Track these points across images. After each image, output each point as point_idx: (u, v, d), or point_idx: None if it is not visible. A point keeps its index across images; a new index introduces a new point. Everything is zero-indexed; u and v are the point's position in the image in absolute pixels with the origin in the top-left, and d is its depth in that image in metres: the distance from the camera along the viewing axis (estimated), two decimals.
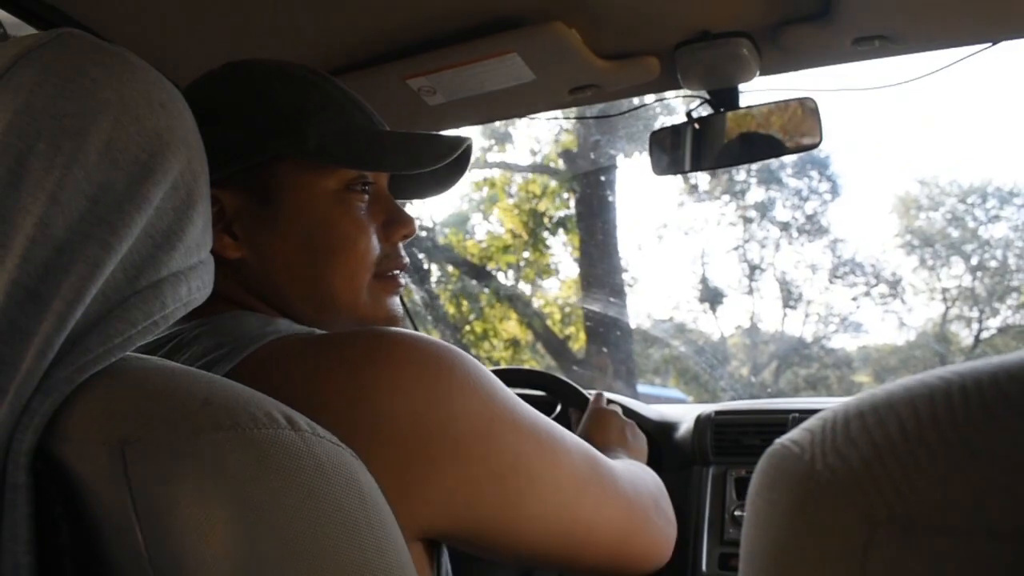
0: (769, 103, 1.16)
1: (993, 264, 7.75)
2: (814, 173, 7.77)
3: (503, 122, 7.02)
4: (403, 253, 0.79)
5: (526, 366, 1.63)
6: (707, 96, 1.17)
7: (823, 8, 0.98)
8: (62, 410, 0.47)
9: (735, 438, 1.38)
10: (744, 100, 1.17)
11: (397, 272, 0.78)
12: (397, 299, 0.79)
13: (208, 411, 0.45)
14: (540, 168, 7.34)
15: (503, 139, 7.21)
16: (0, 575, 0.44)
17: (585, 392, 1.33)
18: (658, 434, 1.46)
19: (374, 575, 0.47)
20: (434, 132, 0.99)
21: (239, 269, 0.72)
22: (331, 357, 0.58)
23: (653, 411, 1.53)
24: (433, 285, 7.46)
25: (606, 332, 6.81)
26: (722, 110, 1.18)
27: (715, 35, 1.05)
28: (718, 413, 1.42)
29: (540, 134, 7.27)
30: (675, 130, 1.24)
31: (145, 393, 0.47)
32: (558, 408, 1.36)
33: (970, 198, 7.81)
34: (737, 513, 1.31)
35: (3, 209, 0.47)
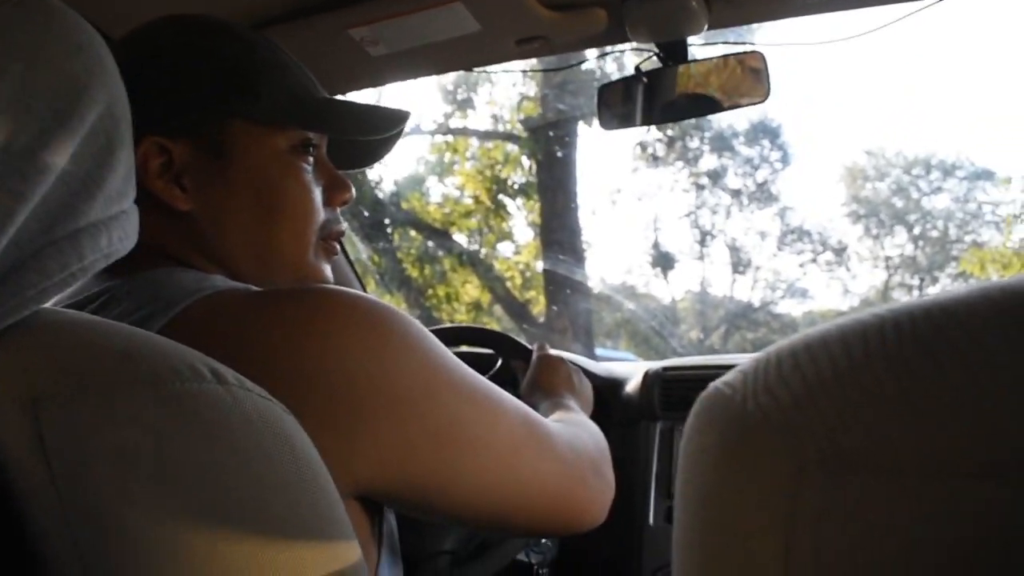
0: (717, 57, 1.15)
1: (934, 234, 8.06)
2: (766, 142, 8.04)
3: (464, 89, 7.16)
4: (341, 219, 0.81)
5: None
6: (655, 49, 1.16)
7: None
8: None
9: (683, 394, 1.39)
10: (692, 54, 1.16)
11: (338, 238, 0.80)
12: (330, 265, 0.80)
13: (128, 364, 0.43)
14: (502, 135, 7.39)
15: (464, 105, 7.28)
16: None
17: (527, 344, 1.33)
18: (606, 390, 1.47)
19: (306, 532, 0.45)
20: (376, 88, 0.99)
21: (186, 223, 0.70)
22: (271, 313, 0.57)
23: (601, 367, 1.54)
24: (395, 250, 7.51)
25: (566, 295, 6.98)
26: (671, 64, 1.17)
27: None
28: (666, 369, 1.43)
29: (501, 100, 7.36)
30: (624, 84, 1.23)
31: (59, 347, 0.44)
32: (499, 362, 1.35)
33: (915, 170, 8.12)
34: None
35: None
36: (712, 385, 0.31)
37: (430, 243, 7.68)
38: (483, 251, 7.75)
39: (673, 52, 1.15)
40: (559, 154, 7.04)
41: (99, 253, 0.50)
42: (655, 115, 1.21)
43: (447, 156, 7.67)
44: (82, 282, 0.70)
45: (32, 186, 0.46)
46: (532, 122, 7.18)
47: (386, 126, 0.79)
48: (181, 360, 0.45)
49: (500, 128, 7.48)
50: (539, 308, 7.32)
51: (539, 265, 7.38)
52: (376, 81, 1.28)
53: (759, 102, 1.14)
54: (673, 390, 1.40)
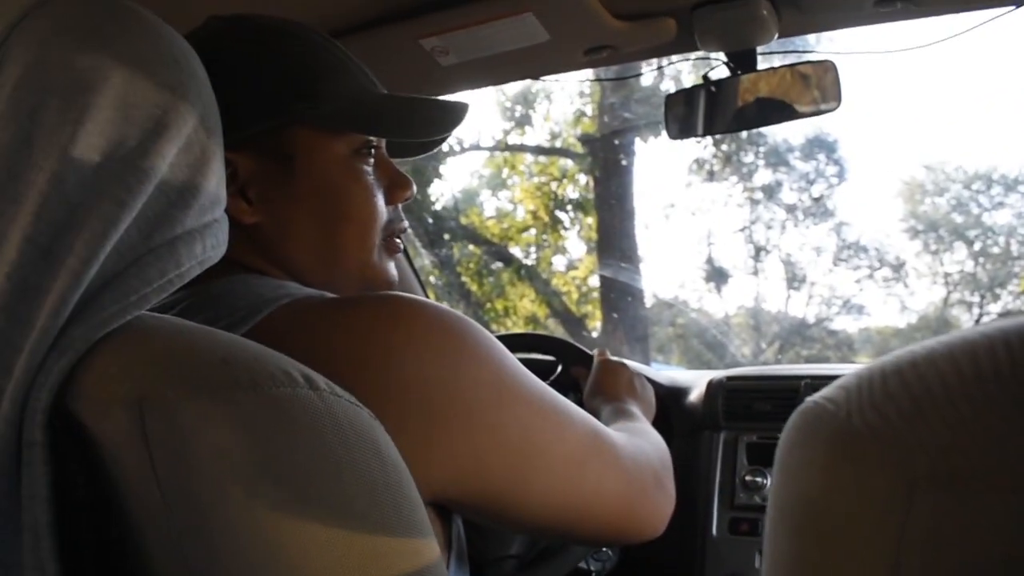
0: (787, 65, 1.14)
1: (995, 250, 7.87)
2: (821, 156, 7.89)
3: (522, 107, 7.34)
4: (403, 216, 0.81)
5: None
6: (724, 59, 1.16)
7: None
8: (78, 368, 0.47)
9: (746, 403, 1.37)
10: (762, 63, 1.15)
11: (400, 235, 0.80)
12: (394, 263, 0.80)
13: (227, 369, 0.45)
14: (559, 151, 7.54)
15: (522, 122, 7.42)
16: (21, 531, 0.44)
17: (587, 350, 1.32)
18: (668, 399, 1.46)
19: (391, 532, 0.47)
20: (434, 97, 1.00)
21: (251, 233, 0.71)
22: (348, 320, 0.58)
23: (663, 376, 1.53)
24: (455, 264, 7.70)
25: (622, 304, 7.01)
26: (739, 72, 1.16)
27: None
28: (729, 379, 1.42)
29: (559, 118, 7.51)
30: (690, 93, 1.22)
31: (163, 351, 0.46)
32: (559, 368, 1.35)
33: (975, 184, 7.91)
34: (748, 478, 1.31)
35: (15, 165, 0.46)
36: (810, 400, 0.31)
37: (488, 257, 7.85)
38: (540, 266, 7.90)
39: (742, 61, 1.14)
40: (617, 167, 7.14)
41: (194, 260, 0.53)
42: (724, 123, 1.21)
43: (505, 171, 7.82)
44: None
45: (134, 195, 0.48)
46: (589, 137, 7.29)
47: (442, 121, 0.78)
48: (276, 366, 0.47)
49: (558, 144, 7.63)
50: (594, 322, 7.41)
51: (594, 280, 7.47)
52: (446, 89, 1.29)
53: (832, 110, 1.13)
54: (737, 400, 1.38)
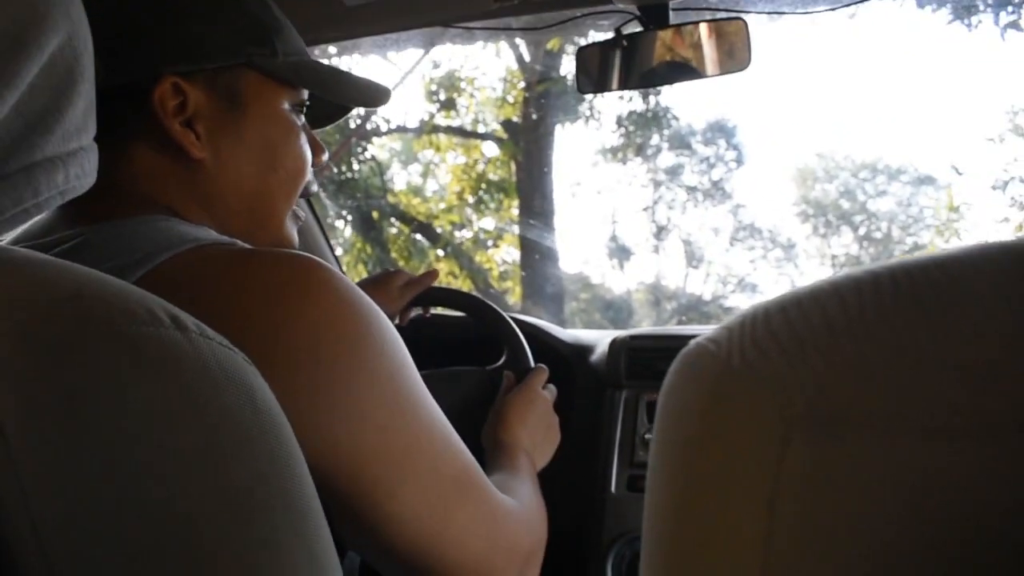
0: (699, 21, 1.13)
1: (878, 235, 8.48)
2: (721, 141, 8.44)
3: (447, 90, 7.75)
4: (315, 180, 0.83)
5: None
6: (636, 12, 1.14)
7: None
8: None
9: (648, 362, 1.39)
10: (675, 18, 1.14)
11: (307, 196, 0.84)
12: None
13: (77, 304, 0.41)
14: (483, 135, 8.13)
15: (448, 105, 7.98)
16: None
17: (531, 361, 1.22)
18: (572, 357, 1.47)
19: (267, 484, 0.44)
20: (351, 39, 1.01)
21: (189, 169, 0.69)
22: (263, 277, 0.57)
23: (568, 334, 1.53)
24: (385, 242, 8.24)
25: (540, 288, 7.67)
26: (651, 28, 1.15)
27: None
28: (633, 337, 1.43)
29: (483, 103, 8.08)
30: (603, 47, 1.21)
31: (7, 286, 0.42)
32: (502, 360, 1.25)
33: (861, 173, 8.53)
34: (647, 436, 1.33)
35: None
36: (694, 341, 0.30)
37: (417, 235, 8.33)
38: (463, 244, 8.44)
39: (655, 16, 1.13)
40: (538, 151, 7.75)
41: (55, 190, 0.48)
42: (634, 80, 1.20)
43: (431, 154, 8.39)
44: (42, 220, 0.67)
45: None
46: (512, 125, 7.90)
47: (373, 97, 0.82)
48: (138, 303, 0.43)
49: (481, 129, 8.19)
50: (515, 298, 7.92)
51: (513, 256, 8.15)
52: (351, 32, 1.25)
53: (740, 70, 1.13)
54: (639, 358, 1.40)
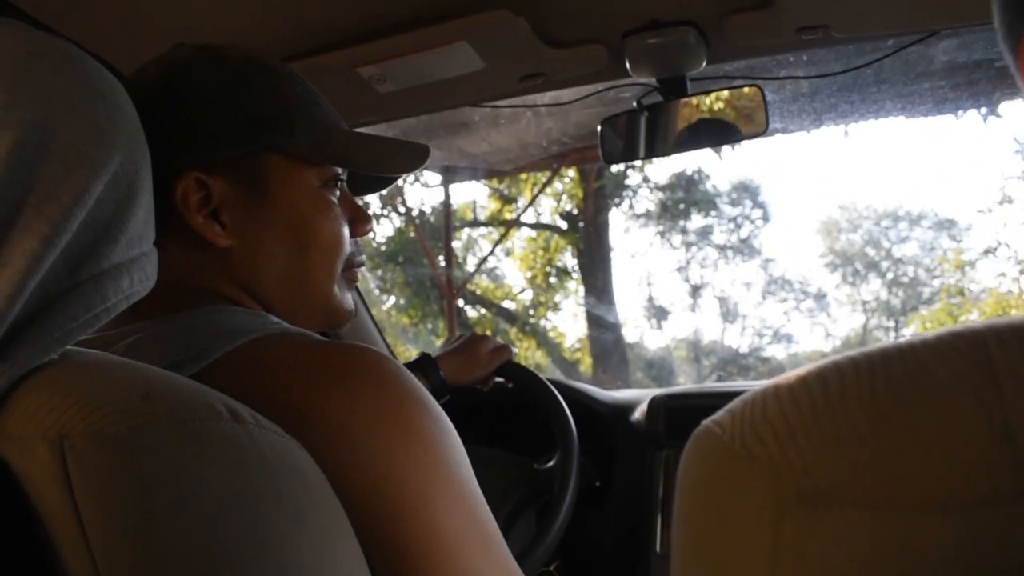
0: (716, 90, 1.18)
1: (905, 279, 8.93)
2: (747, 200, 9.03)
3: (510, 187, 8.75)
4: (362, 250, 0.83)
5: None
6: (656, 84, 1.19)
7: None
8: (2, 407, 0.46)
9: (688, 421, 1.38)
10: (693, 88, 1.18)
11: (358, 267, 0.82)
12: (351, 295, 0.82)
13: (147, 404, 0.45)
14: (548, 227, 9.36)
15: (509, 200, 9.31)
16: None
17: (575, 467, 1.21)
18: (613, 418, 1.48)
19: (318, 555, 0.47)
20: (393, 133, 1.01)
21: (222, 258, 0.71)
22: (328, 369, 0.59)
23: (607, 396, 1.55)
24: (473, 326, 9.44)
25: (607, 355, 8.51)
26: (671, 98, 1.19)
27: (662, 24, 1.06)
28: (671, 397, 1.44)
29: (545, 199, 9.27)
30: (627, 117, 1.25)
31: (84, 388, 0.46)
32: (553, 460, 1.26)
33: (884, 221, 9.01)
34: None
35: None
36: (704, 423, 0.33)
37: (497, 317, 9.48)
38: (539, 322, 9.54)
39: (674, 87, 1.17)
40: (596, 242, 8.74)
41: (121, 295, 0.53)
42: (657, 148, 1.23)
43: (501, 245, 9.64)
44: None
45: (59, 231, 0.48)
46: (570, 215, 9.02)
47: (410, 161, 0.81)
48: (199, 400, 0.47)
49: (544, 221, 9.40)
50: (584, 367, 8.80)
51: (580, 330, 9.23)
52: (384, 116, 1.31)
53: (759, 135, 1.17)
54: (679, 418, 1.41)
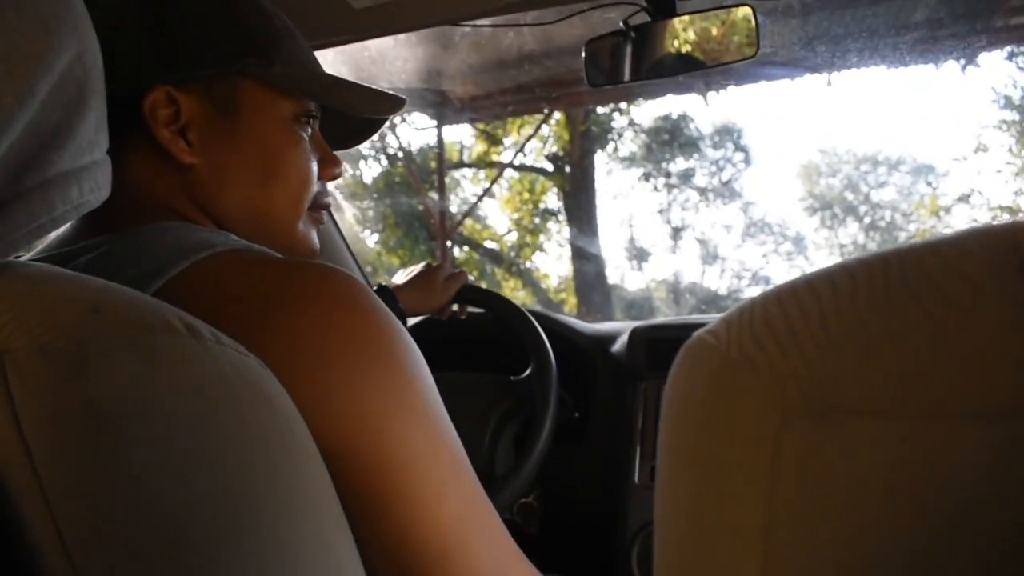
0: (706, 9, 1.13)
1: (882, 224, 9.08)
2: (729, 144, 9.16)
3: (496, 129, 8.78)
4: (329, 192, 0.84)
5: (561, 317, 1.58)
6: (643, 3, 1.14)
7: None
8: None
9: (669, 352, 1.38)
10: (681, 8, 1.14)
11: (325, 208, 0.82)
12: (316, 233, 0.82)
13: (96, 318, 0.42)
14: (534, 169, 9.44)
15: (496, 142, 9.33)
16: None
17: (555, 377, 1.21)
18: (593, 349, 1.47)
19: (285, 480, 0.45)
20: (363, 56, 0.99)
21: (185, 176, 0.70)
22: (290, 285, 0.56)
23: (589, 327, 1.54)
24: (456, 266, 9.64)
25: (591, 295, 8.75)
26: (659, 18, 1.15)
27: None
28: (652, 328, 1.43)
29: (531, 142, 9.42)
30: (612, 39, 1.21)
31: (28, 300, 0.43)
32: (528, 371, 1.25)
33: (863, 166, 9.14)
34: None
35: None
36: (695, 334, 0.31)
37: (482, 258, 9.73)
38: (525, 263, 9.82)
39: (662, 6, 1.13)
40: (581, 185, 8.94)
41: (70, 204, 0.49)
42: (644, 71, 1.19)
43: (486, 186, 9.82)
44: (69, 228, 0.69)
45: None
46: (556, 158, 9.18)
47: (387, 108, 0.81)
48: (154, 314, 0.44)
49: (528, 163, 9.55)
50: (569, 307, 8.97)
51: (565, 270, 9.51)
52: (358, 34, 1.25)
53: (749, 57, 1.13)
54: (659, 349, 1.40)
